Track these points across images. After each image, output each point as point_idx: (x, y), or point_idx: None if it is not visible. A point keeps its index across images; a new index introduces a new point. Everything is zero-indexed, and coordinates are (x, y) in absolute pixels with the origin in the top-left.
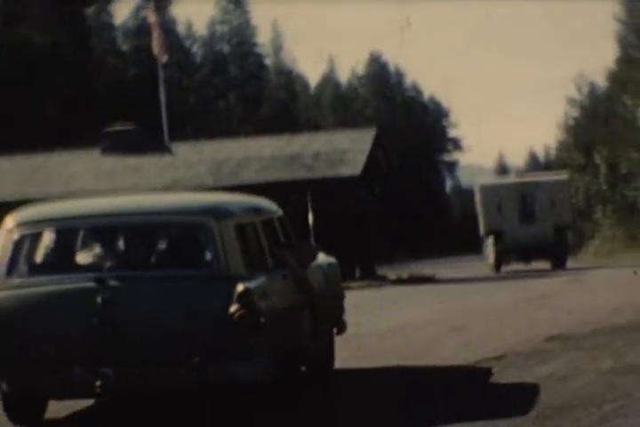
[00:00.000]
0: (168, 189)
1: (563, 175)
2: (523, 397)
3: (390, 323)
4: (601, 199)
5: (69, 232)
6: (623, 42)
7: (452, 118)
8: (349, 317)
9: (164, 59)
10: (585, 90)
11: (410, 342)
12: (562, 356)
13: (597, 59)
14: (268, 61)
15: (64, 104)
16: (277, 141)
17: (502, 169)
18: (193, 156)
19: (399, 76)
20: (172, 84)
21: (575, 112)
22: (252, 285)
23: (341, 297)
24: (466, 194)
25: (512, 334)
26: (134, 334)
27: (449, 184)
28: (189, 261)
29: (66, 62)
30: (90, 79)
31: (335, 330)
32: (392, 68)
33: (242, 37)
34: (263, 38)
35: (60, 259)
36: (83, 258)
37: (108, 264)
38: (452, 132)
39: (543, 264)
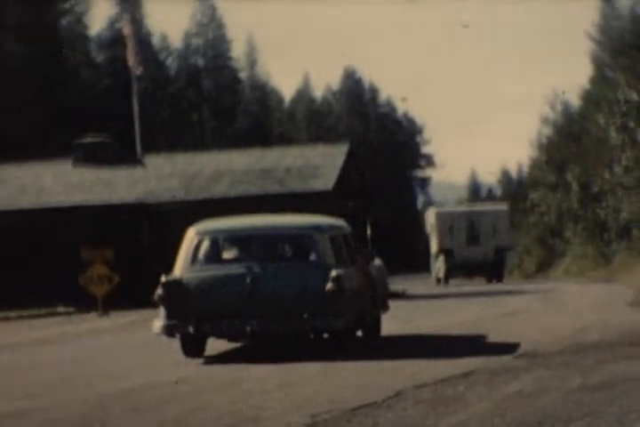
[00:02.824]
0: (139, 201)
1: (503, 206)
2: (489, 414)
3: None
4: (572, 217)
5: (230, 238)
6: (597, 61)
7: (426, 135)
8: None
9: (138, 71)
10: (558, 108)
11: (373, 359)
12: (530, 373)
13: (571, 77)
14: (243, 75)
15: (36, 115)
16: (250, 155)
17: (475, 186)
18: (165, 168)
19: (373, 91)
20: (146, 96)
21: (548, 130)
22: (340, 272)
23: (387, 287)
24: None
25: (480, 352)
26: (269, 300)
27: (421, 200)
28: (303, 257)
29: (39, 73)
30: (63, 90)
31: (382, 310)
32: (366, 83)
33: (217, 51)
34: (238, 52)
35: (224, 255)
36: (238, 254)
37: (254, 258)
38: (425, 149)
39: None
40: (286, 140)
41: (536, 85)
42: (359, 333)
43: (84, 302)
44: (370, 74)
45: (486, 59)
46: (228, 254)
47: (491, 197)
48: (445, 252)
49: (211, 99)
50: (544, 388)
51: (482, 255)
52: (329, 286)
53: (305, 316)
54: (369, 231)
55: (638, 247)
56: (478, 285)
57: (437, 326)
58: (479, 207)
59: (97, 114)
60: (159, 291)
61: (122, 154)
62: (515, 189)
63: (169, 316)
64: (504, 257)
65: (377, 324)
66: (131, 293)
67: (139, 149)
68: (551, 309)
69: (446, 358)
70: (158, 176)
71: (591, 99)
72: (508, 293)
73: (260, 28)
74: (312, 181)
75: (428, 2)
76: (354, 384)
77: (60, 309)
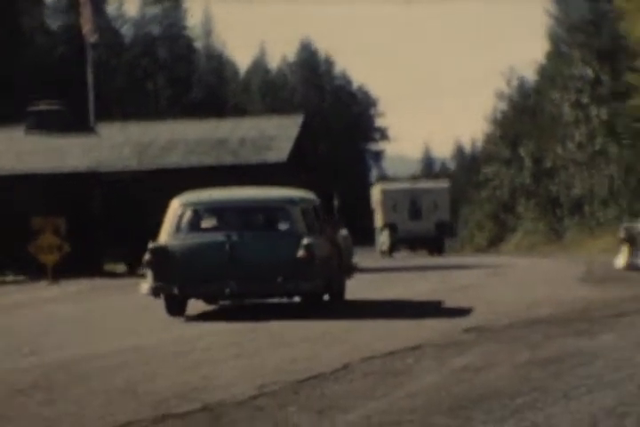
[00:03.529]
0: (91, 170)
1: (444, 183)
2: (436, 387)
3: (301, 313)
4: (525, 192)
5: (211, 209)
6: (553, 37)
7: (380, 108)
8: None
9: (93, 38)
10: (514, 83)
11: (322, 332)
12: (478, 347)
13: (528, 53)
14: (199, 45)
15: None
16: (204, 125)
17: (428, 160)
18: (118, 137)
19: (329, 64)
20: (101, 64)
21: (503, 105)
22: (310, 240)
23: (352, 255)
24: None
25: (430, 325)
26: (247, 264)
27: (374, 174)
28: (277, 226)
29: None
30: (17, 57)
31: (347, 276)
32: (322, 56)
33: (172, 20)
34: (194, 21)
35: (206, 224)
36: (218, 224)
37: (233, 227)
38: (380, 122)
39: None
40: (241, 110)
41: (492, 61)
42: (326, 297)
43: (34, 271)
44: (326, 46)
45: (443, 33)
46: (209, 224)
47: (444, 170)
48: (390, 226)
49: (166, 68)
50: (492, 362)
51: (424, 230)
52: (301, 252)
53: (279, 279)
54: (336, 203)
55: (589, 223)
56: (422, 257)
57: (388, 299)
58: (422, 184)
59: (51, 81)
60: (147, 256)
61: (75, 122)
62: (468, 164)
63: (155, 278)
64: (444, 231)
65: (342, 288)
66: (81, 262)
67: (92, 117)
68: (502, 283)
69: (395, 330)
70: (111, 145)
71: (546, 74)
72: (460, 267)
73: None
74: (266, 152)
75: None
76: (302, 356)
77: (10, 277)
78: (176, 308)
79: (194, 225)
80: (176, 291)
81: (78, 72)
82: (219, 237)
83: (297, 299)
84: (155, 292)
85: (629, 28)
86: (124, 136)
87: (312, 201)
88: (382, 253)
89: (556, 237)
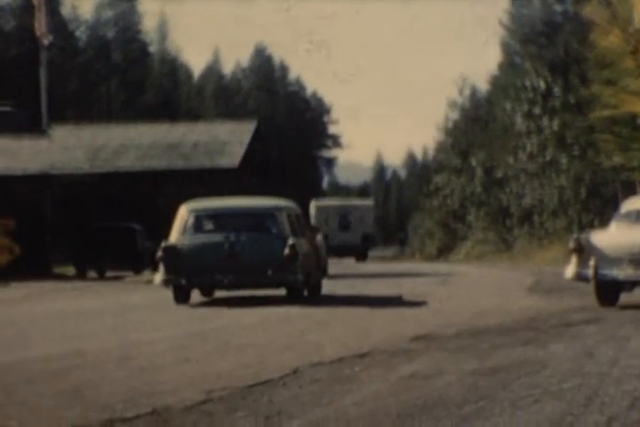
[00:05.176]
0: (43, 172)
1: (370, 201)
2: (384, 394)
3: (254, 318)
4: (475, 202)
5: (213, 215)
6: (506, 47)
7: (333, 115)
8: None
9: (46, 40)
10: (466, 93)
11: (273, 337)
12: (426, 356)
13: (482, 63)
14: (153, 49)
15: None
16: (157, 129)
17: (380, 168)
18: (70, 140)
19: (283, 70)
20: (54, 66)
21: (455, 115)
22: (295, 241)
23: (326, 256)
24: (342, 191)
25: (378, 333)
26: (242, 260)
27: (326, 180)
28: (268, 229)
29: None
30: None
31: (322, 274)
32: (277, 61)
33: (127, 23)
34: (149, 25)
35: (208, 227)
36: (218, 227)
37: (230, 229)
38: (332, 129)
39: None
40: (194, 115)
41: (445, 69)
42: (305, 292)
43: None
44: (280, 52)
45: (396, 42)
46: (211, 226)
47: (395, 179)
48: (323, 237)
49: (120, 71)
50: (440, 370)
51: (351, 240)
52: (287, 251)
53: (269, 273)
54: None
55: (539, 233)
56: (374, 264)
57: (333, 306)
58: (350, 202)
59: (4, 83)
60: (159, 253)
61: (27, 124)
62: (419, 172)
63: (166, 272)
64: (368, 242)
65: (319, 284)
66: (30, 264)
67: (45, 119)
68: (451, 292)
69: (344, 337)
70: (63, 147)
71: (499, 85)
72: (409, 275)
73: (172, 1)
74: (218, 157)
75: None
76: (251, 362)
77: None
78: (182, 297)
79: (198, 228)
80: (184, 282)
81: (31, 74)
82: (219, 237)
83: (283, 291)
84: (166, 283)
85: (598, 39)
86: (76, 139)
87: (295, 209)
88: None
89: (506, 246)
